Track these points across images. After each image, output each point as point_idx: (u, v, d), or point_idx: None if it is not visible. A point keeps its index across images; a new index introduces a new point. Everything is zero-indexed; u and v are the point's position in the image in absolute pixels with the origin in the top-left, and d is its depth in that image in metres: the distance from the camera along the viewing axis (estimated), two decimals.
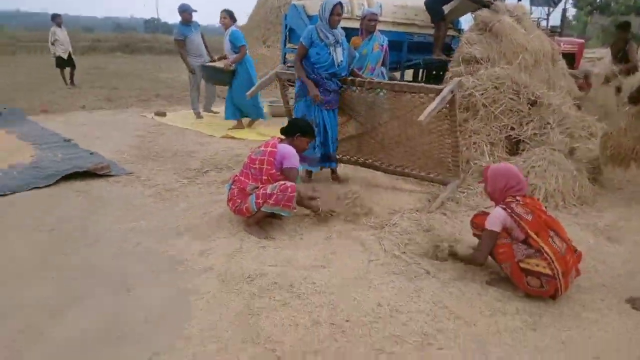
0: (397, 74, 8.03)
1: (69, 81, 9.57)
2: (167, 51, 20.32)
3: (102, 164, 4.26)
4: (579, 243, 2.69)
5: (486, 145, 4.35)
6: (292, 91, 4.37)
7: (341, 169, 4.28)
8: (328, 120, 3.79)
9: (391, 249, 2.85)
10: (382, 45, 4.95)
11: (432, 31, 7.85)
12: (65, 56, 9.34)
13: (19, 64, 13.40)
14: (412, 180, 4.09)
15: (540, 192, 3.72)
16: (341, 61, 3.73)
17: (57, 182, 3.89)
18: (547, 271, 2.29)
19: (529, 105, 4.62)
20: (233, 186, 3.09)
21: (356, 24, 5.52)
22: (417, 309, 2.25)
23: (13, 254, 2.73)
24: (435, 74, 8.22)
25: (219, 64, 6.21)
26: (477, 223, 2.63)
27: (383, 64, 5.05)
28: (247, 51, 6.10)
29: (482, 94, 4.59)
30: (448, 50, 7.57)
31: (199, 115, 6.88)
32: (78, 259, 2.69)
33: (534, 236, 2.36)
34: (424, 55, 7.83)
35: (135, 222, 3.19)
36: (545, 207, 2.79)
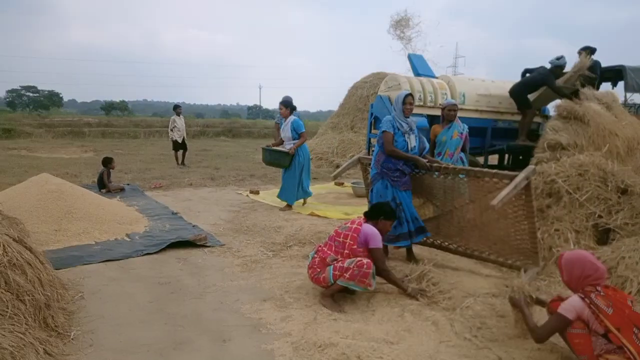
0: (481, 159, 8.11)
1: (180, 162, 10.96)
2: (264, 135, 22.34)
3: (201, 236, 4.83)
4: None
5: (570, 233, 4.22)
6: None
7: (417, 249, 4.39)
8: (405, 199, 4.02)
9: (462, 332, 2.87)
10: (461, 133, 5.19)
11: (517, 117, 7.98)
12: (180, 140, 10.83)
13: (140, 146, 15.61)
14: (491, 266, 4.07)
15: (632, 285, 3.49)
16: (414, 146, 4.05)
17: (162, 249, 4.50)
18: None
19: (618, 194, 4.46)
20: (316, 255, 3.38)
21: (439, 112, 5.87)
22: None
23: (138, 302, 3.30)
24: (522, 159, 8.16)
25: (283, 148, 6.63)
26: (552, 307, 2.60)
27: (463, 150, 5.26)
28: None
29: (565, 180, 4.54)
30: (535, 136, 7.55)
31: None
32: (187, 309, 3.19)
33: (615, 332, 2.27)
34: (508, 141, 7.90)
35: (230, 285, 3.59)
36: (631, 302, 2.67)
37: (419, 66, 9.09)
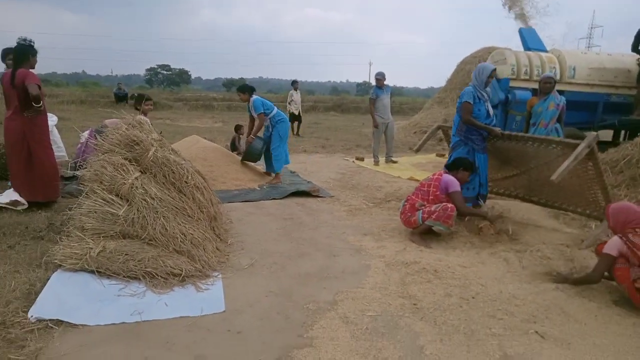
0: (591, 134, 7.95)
1: (295, 132, 12.25)
2: None
3: (315, 188, 5.84)
4: None
5: None
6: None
7: (499, 205, 4.89)
8: (483, 163, 4.53)
9: (528, 266, 3.44)
10: (557, 104, 5.43)
11: (634, 92, 7.67)
12: (296, 112, 12.08)
13: None
14: (570, 223, 4.44)
15: None
16: (495, 113, 4.50)
17: (285, 197, 5.58)
18: None
19: None
20: (406, 203, 4.14)
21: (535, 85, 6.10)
22: (534, 301, 2.86)
23: (270, 228, 4.39)
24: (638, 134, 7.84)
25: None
26: (598, 250, 3.07)
27: (559, 121, 5.50)
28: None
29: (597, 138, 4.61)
30: None
31: (377, 162, 8.21)
32: (305, 235, 4.17)
33: None
34: (620, 116, 7.66)
35: (338, 223, 4.52)
36: None
37: (529, 40, 9.02)
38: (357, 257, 3.65)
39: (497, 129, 4.44)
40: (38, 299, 2.63)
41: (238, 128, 9.09)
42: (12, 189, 4.55)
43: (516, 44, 9.73)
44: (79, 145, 6.19)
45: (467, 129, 4.51)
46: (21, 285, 2.79)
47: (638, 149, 4.87)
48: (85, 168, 5.32)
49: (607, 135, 8.54)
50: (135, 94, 5.50)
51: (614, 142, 8.26)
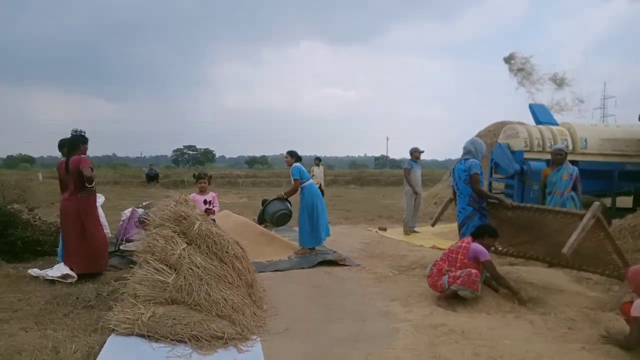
0: (607, 201, 8.11)
1: None
2: (391, 183, 23.54)
3: (342, 257, 6.09)
4: None
5: None
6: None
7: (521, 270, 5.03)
8: None
9: (554, 328, 3.55)
10: (571, 174, 5.74)
11: None
12: (318, 186, 12.57)
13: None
14: (593, 288, 4.53)
15: None
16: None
17: (313, 266, 5.83)
18: None
19: None
20: (433, 267, 4.36)
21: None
22: (561, 359, 2.98)
23: (301, 295, 4.62)
24: None
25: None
26: (624, 310, 3.20)
27: (574, 189, 5.76)
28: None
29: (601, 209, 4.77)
30: None
31: (409, 231, 8.46)
32: (334, 302, 4.37)
33: None
34: (637, 183, 7.88)
35: (365, 290, 4.73)
36: None
37: (539, 114, 9.54)
38: (386, 321, 3.83)
39: (508, 201, 4.72)
40: (98, 358, 2.89)
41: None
42: (62, 263, 4.96)
43: (528, 119, 10.24)
44: (121, 222, 6.66)
45: (479, 199, 4.81)
46: (81, 347, 3.06)
47: None
48: (127, 243, 5.75)
49: (628, 202, 8.69)
50: (195, 174, 6.07)
51: (634, 209, 8.37)
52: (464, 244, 4.30)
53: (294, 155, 6.81)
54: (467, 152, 4.97)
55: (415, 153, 8.73)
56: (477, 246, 4.23)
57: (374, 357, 3.10)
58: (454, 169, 5.12)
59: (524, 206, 4.71)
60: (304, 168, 6.79)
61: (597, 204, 4.03)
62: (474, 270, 4.06)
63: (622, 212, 7.39)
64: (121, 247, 5.64)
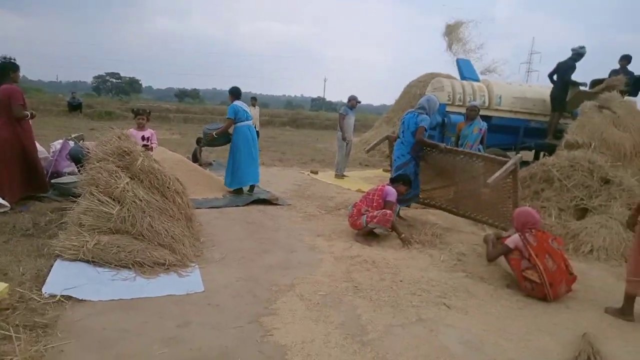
0: (512, 154, 9.19)
1: None
2: (326, 127, 24.04)
3: (274, 196, 6.55)
4: (603, 283, 3.97)
5: (554, 210, 5.45)
6: None
7: (431, 213, 5.81)
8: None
9: (447, 260, 4.32)
10: (480, 129, 6.49)
11: (547, 119, 9.00)
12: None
13: None
14: (485, 229, 5.41)
15: (586, 247, 4.74)
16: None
17: (247, 204, 6.24)
18: (537, 279, 3.55)
19: (602, 183, 5.60)
20: (353, 208, 4.95)
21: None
22: (446, 283, 3.73)
23: (235, 230, 5.03)
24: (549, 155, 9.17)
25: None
26: (502, 242, 3.99)
27: (481, 143, 6.55)
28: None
29: (558, 170, 5.74)
30: (562, 135, 8.57)
31: (340, 175, 9.08)
32: (267, 236, 4.86)
33: (534, 255, 3.65)
34: (538, 139, 8.97)
35: (295, 226, 5.25)
36: (560, 249, 3.98)
37: (465, 70, 10.29)
38: (311, 253, 4.40)
39: (442, 144, 5.37)
40: (47, 279, 3.17)
41: (200, 141, 9.63)
42: None
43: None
44: (51, 154, 6.54)
45: (418, 149, 5.37)
46: (29, 270, 3.30)
47: (541, 168, 5.97)
48: (59, 177, 5.78)
49: (529, 156, 9.86)
50: (134, 109, 6.05)
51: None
52: (379, 187, 4.92)
53: (232, 94, 6.80)
54: (421, 107, 5.40)
55: (352, 101, 9.16)
56: (390, 189, 4.85)
57: (299, 280, 3.66)
58: (403, 119, 5.52)
59: (456, 150, 5.37)
60: (243, 107, 6.77)
61: (519, 155, 4.79)
62: (388, 211, 4.70)
63: (523, 165, 8.46)
64: (53, 181, 5.62)
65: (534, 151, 9.76)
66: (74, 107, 20.21)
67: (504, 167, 4.68)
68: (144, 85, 72.54)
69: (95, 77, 62.11)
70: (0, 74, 4.79)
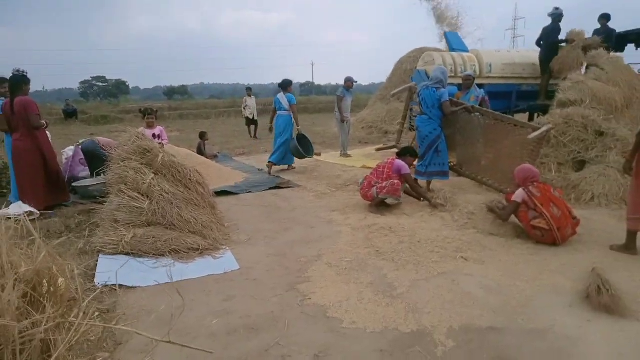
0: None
1: (253, 135, 13.09)
2: (319, 110, 24.16)
3: (285, 180, 6.80)
4: (606, 226, 4.28)
5: (553, 165, 5.72)
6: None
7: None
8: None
9: (458, 220, 4.60)
10: (477, 97, 6.73)
11: (539, 82, 9.24)
12: (251, 117, 12.94)
13: (214, 125, 18.01)
14: (490, 190, 5.68)
15: (587, 195, 5.03)
16: None
17: (260, 191, 6.50)
18: (545, 226, 3.84)
19: (596, 136, 5.86)
20: (364, 181, 5.21)
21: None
22: (461, 239, 4.02)
23: (254, 214, 5.30)
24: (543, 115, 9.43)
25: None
26: (507, 198, 4.27)
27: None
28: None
29: (554, 127, 5.99)
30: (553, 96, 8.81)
31: (345, 154, 9.34)
32: (285, 216, 5.14)
33: (539, 205, 3.93)
34: (530, 102, 9.21)
35: (309, 205, 5.52)
36: (561, 197, 4.26)
37: (453, 42, 10.48)
38: (330, 226, 4.67)
39: (470, 105, 5.59)
40: (97, 272, 3.43)
41: (203, 135, 9.84)
42: (19, 202, 5.17)
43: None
44: (65, 160, 6.76)
45: (445, 118, 5.51)
46: (76, 267, 3.55)
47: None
48: (78, 181, 6.01)
49: (523, 119, 10.12)
50: (142, 109, 6.33)
51: None
52: (389, 160, 5.17)
53: (289, 85, 8.59)
54: (438, 81, 5.46)
55: (348, 82, 9.33)
56: (400, 162, 5.11)
57: (324, 250, 3.94)
58: (421, 96, 5.53)
59: (485, 111, 5.59)
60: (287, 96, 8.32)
61: (550, 125, 5.09)
62: (396, 181, 4.96)
63: None
64: (74, 185, 5.86)
65: (528, 113, 10.02)
66: (69, 114, 20.29)
67: (543, 129, 4.91)
68: (131, 86, 72.06)
69: (81, 83, 61.79)
70: (15, 87, 4.98)
